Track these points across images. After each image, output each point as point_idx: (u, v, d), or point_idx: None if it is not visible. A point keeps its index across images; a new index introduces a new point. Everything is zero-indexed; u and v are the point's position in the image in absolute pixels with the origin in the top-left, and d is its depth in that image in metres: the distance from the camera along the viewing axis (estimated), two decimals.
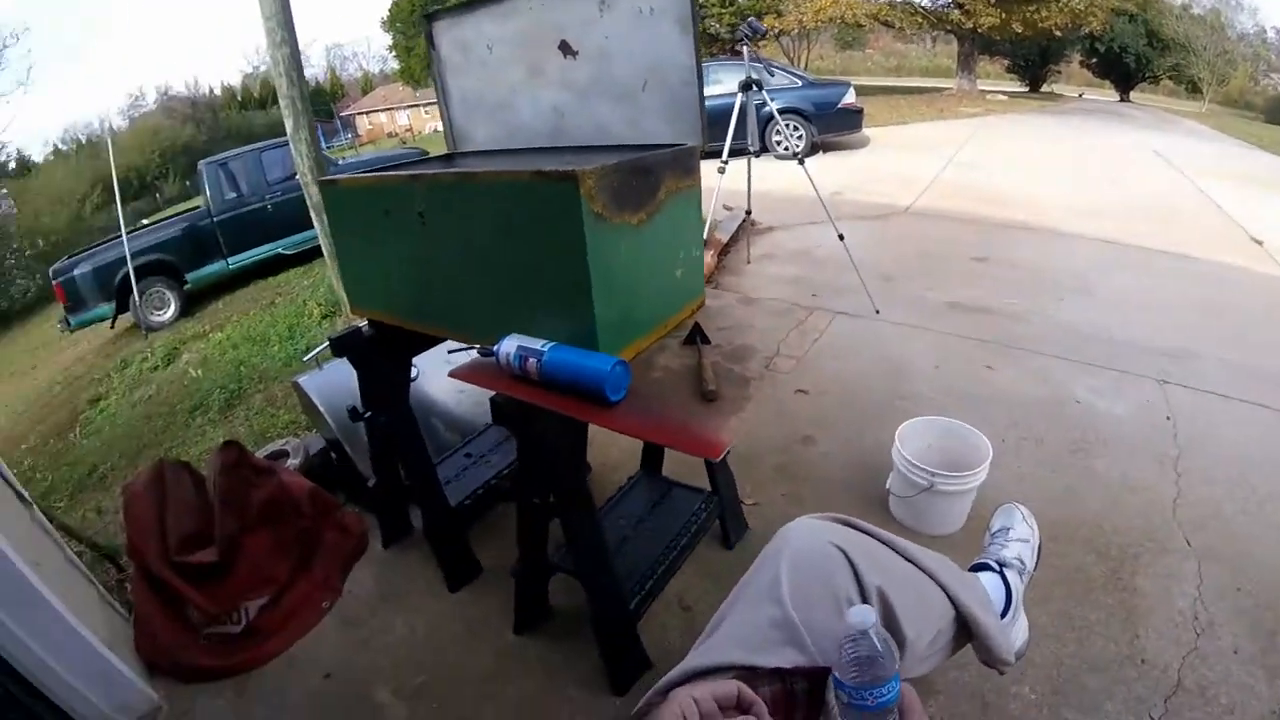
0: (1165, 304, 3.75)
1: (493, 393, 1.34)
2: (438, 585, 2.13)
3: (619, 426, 1.21)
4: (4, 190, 17.22)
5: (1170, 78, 24.86)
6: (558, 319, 1.31)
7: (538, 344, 1.28)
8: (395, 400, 1.95)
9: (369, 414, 1.99)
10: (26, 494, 1.97)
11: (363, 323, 1.89)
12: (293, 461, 2.54)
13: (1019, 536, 1.42)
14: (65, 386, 6.28)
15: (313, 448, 2.63)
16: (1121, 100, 22.69)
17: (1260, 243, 4.91)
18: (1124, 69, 23.15)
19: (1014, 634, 1.25)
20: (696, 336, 1.46)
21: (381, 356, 1.88)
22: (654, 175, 1.37)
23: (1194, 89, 24.34)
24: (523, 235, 1.30)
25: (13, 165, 24.40)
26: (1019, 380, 2.98)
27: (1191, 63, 22.98)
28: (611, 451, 2.66)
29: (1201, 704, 1.55)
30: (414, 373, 2.09)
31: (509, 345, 1.31)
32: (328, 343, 1.88)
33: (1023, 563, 1.36)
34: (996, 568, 1.32)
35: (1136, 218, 5.42)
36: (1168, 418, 2.64)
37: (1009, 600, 1.27)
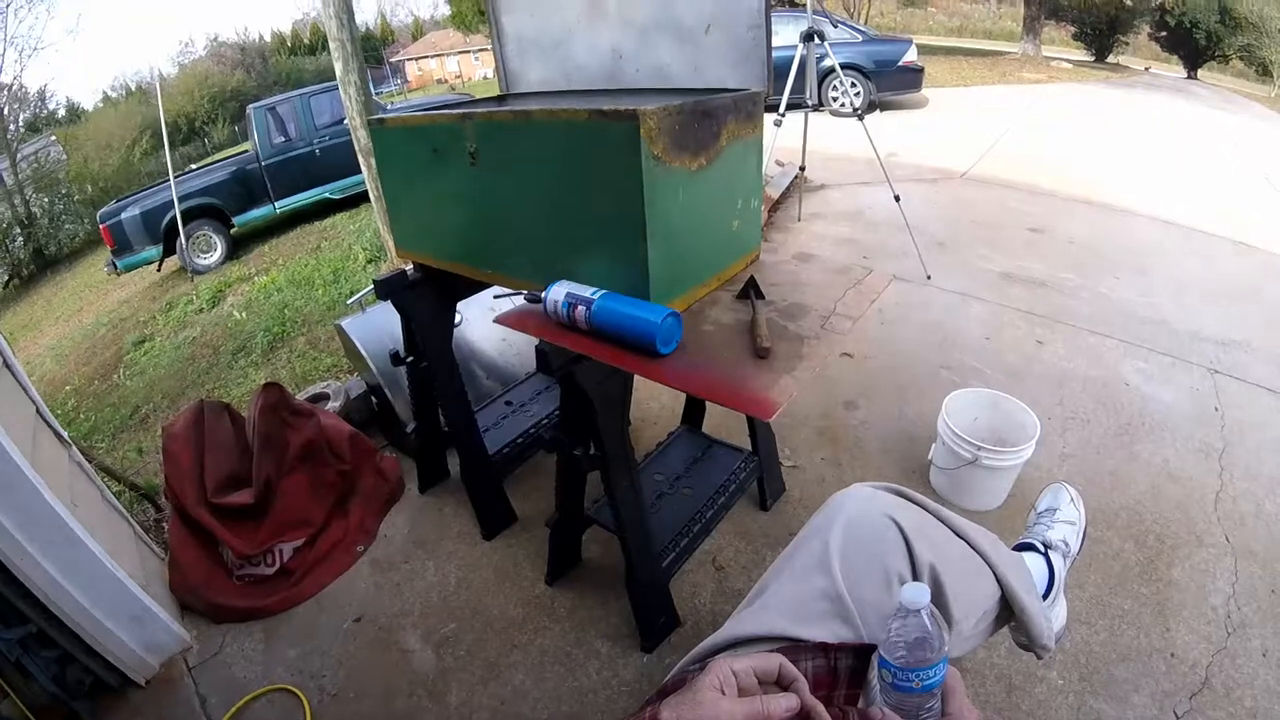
0: (1222, 292, 3.58)
1: (538, 340, 1.31)
2: (472, 532, 2.14)
3: (669, 380, 1.17)
4: (53, 137, 17.39)
5: (1241, 58, 23.63)
6: (609, 266, 1.28)
7: (587, 291, 1.24)
8: (438, 346, 1.93)
9: (411, 359, 1.98)
10: (65, 434, 1.99)
11: (408, 266, 1.88)
12: (333, 404, 2.55)
13: (1066, 519, 1.38)
14: (110, 328, 6.40)
15: (354, 391, 2.64)
16: (1189, 78, 21.70)
17: None
18: (1193, 45, 22.11)
19: (1055, 617, 1.23)
20: (751, 291, 1.41)
21: (426, 301, 1.86)
22: (716, 120, 1.31)
23: (1264, 72, 23.16)
24: (577, 177, 1.25)
25: (62, 112, 24.73)
26: (1069, 357, 2.89)
27: (1264, 44, 21.86)
28: (651, 405, 2.64)
29: (1226, 704, 1.51)
30: (457, 319, 2.07)
31: (558, 292, 1.28)
32: (372, 286, 1.86)
33: (1068, 545, 1.32)
34: (1041, 549, 1.29)
35: (1199, 200, 5.17)
36: (1216, 408, 2.55)
37: (1051, 583, 1.24)
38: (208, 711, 1.72)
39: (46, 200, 13.61)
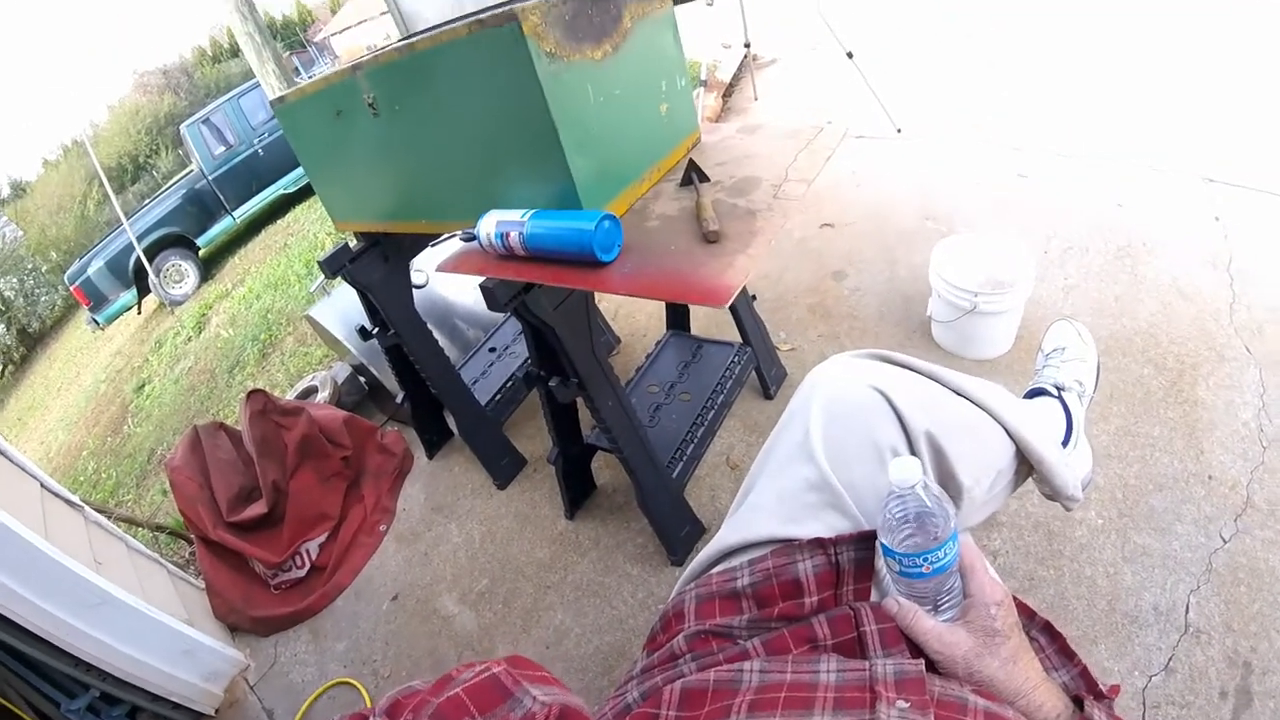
0: (1207, 97, 3.31)
1: (483, 278, 1.24)
2: (486, 485, 2.13)
3: (615, 287, 1.11)
4: (4, 216, 17.17)
5: None
6: (536, 184, 1.20)
7: (517, 214, 1.17)
8: (401, 311, 1.87)
9: (377, 329, 1.92)
10: (75, 499, 1.99)
11: (350, 238, 1.81)
12: (322, 395, 2.52)
13: (1075, 356, 1.26)
14: (109, 383, 6.38)
15: (340, 376, 2.61)
16: None
17: None
18: None
19: (1078, 464, 1.12)
20: (693, 175, 1.32)
21: (376, 268, 1.79)
22: (612, 1, 1.21)
23: None
24: (477, 97, 1.16)
25: (6, 191, 24.15)
26: (1056, 187, 2.76)
27: None
28: (639, 318, 2.59)
29: (1273, 522, 1.45)
30: (422, 279, 2.00)
31: (487, 223, 1.20)
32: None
33: (1081, 385, 1.21)
34: (1055, 393, 1.18)
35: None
36: (1216, 218, 2.39)
37: (1069, 428, 1.13)
38: None
39: (16, 280, 13.56)
